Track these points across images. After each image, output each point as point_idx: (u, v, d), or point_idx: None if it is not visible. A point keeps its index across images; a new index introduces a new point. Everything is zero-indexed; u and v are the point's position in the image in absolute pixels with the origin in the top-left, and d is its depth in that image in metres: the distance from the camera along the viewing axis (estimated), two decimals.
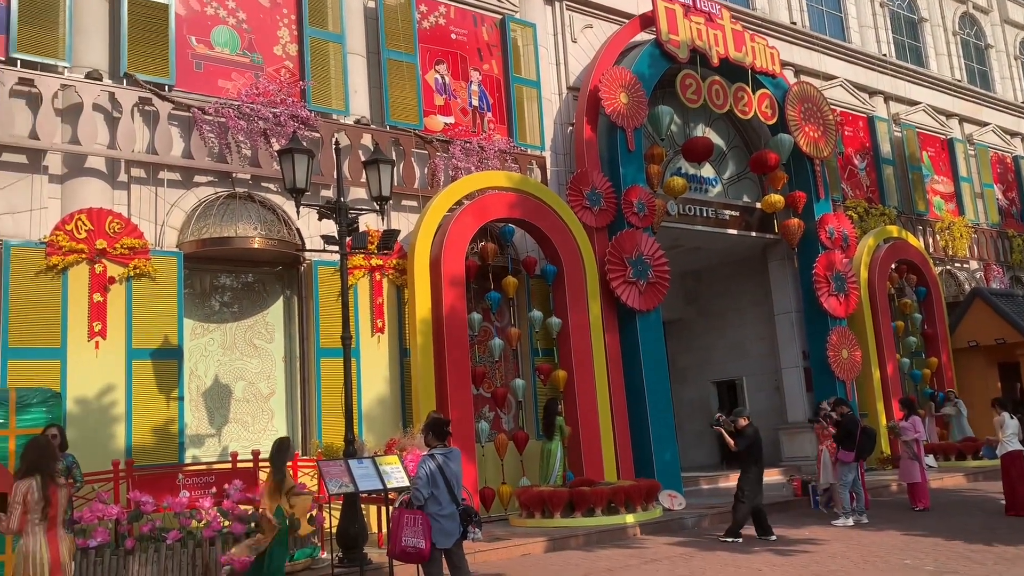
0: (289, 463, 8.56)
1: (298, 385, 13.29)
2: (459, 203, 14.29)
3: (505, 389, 14.56)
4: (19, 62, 11.40)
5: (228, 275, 13.31)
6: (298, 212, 10.83)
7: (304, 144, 10.85)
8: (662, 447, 15.15)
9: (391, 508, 9.84)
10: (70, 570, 6.59)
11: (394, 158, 13.41)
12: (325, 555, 9.79)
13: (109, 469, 9.99)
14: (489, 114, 15.96)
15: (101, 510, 8.92)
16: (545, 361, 15.09)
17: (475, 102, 15.81)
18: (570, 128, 16.89)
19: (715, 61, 17.86)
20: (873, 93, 23.85)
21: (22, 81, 11.29)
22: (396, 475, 9.54)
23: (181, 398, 11.65)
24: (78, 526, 8.69)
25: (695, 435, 22.38)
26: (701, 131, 18.97)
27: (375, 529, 11.31)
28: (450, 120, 15.37)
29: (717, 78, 17.86)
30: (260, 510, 7.45)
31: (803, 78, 21.18)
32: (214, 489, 9.94)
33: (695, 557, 10.21)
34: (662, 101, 17.38)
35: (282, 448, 8.27)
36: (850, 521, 12.46)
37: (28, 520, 6.24)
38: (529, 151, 16.13)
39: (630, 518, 12.42)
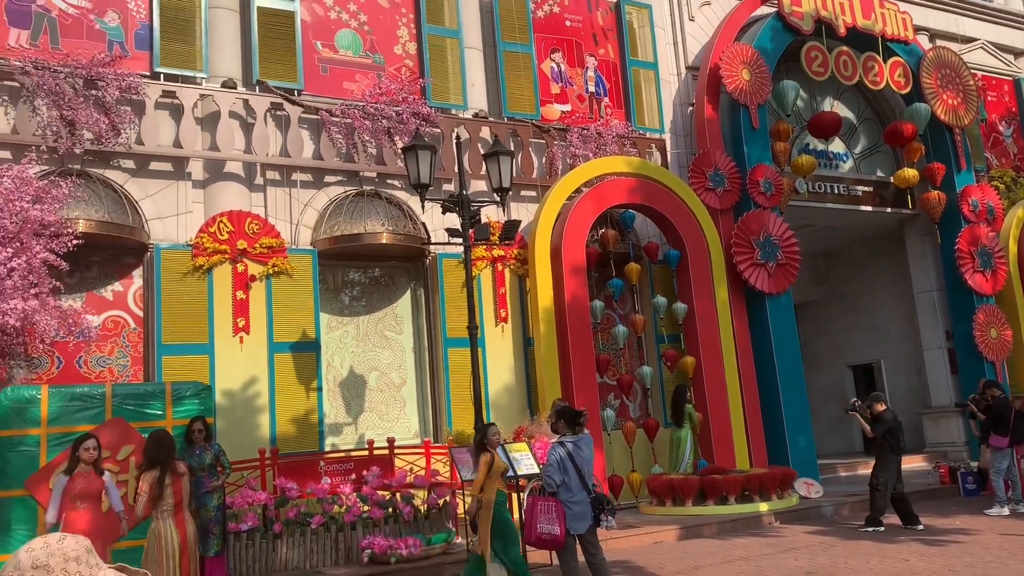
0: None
1: (427, 374, 13.64)
2: (578, 191, 14.26)
3: (631, 376, 14.46)
4: (162, 76, 12.15)
5: (359, 270, 13.78)
6: (423, 207, 11.08)
7: (426, 140, 11.09)
8: (796, 434, 14.68)
9: (522, 495, 9.99)
10: (195, 549, 7.14)
11: (512, 149, 13.50)
12: (460, 540, 10.01)
13: (256, 457, 10.55)
14: (606, 99, 15.83)
15: (251, 496, 9.44)
16: (671, 347, 14.88)
17: (591, 88, 15.72)
18: (690, 109, 16.54)
19: (842, 31, 17.06)
20: (1019, 54, 22.19)
21: (165, 94, 12.04)
22: (526, 462, 9.65)
23: (319, 388, 12.17)
24: (230, 511, 9.22)
25: (830, 421, 21.55)
26: (829, 105, 18.18)
27: None
28: (567, 108, 15.34)
29: (845, 48, 17.05)
30: (477, 494, 7.61)
31: (939, 43, 19.94)
32: (353, 476, 10.34)
33: (835, 546, 9.85)
34: (786, 76, 16.76)
35: (490, 432, 8.18)
36: (1005, 510, 11.72)
37: (156, 507, 6.80)
38: (648, 135, 15.91)
39: (764, 506, 12.11)
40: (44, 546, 1.96)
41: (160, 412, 8.85)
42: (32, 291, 9.49)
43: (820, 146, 17.85)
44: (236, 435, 11.15)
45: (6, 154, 10.68)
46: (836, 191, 17.81)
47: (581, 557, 7.35)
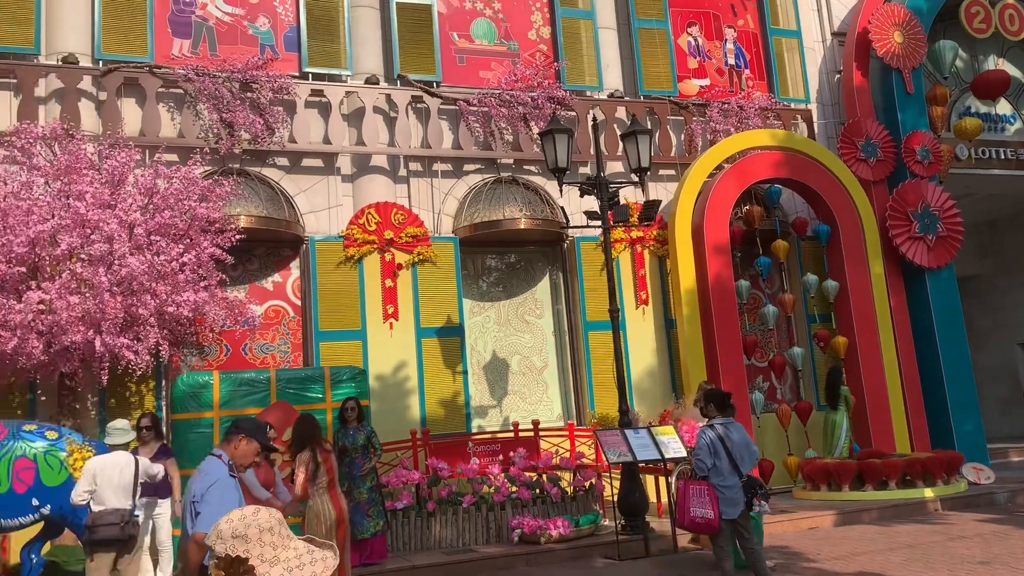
0: None
1: (568, 358, 13.70)
2: (719, 167, 13.88)
3: (782, 358, 13.98)
4: (310, 76, 12.73)
5: (498, 256, 13.99)
6: (561, 191, 11.12)
7: (562, 123, 11.09)
8: (962, 416, 13.78)
9: (670, 479, 9.89)
10: (348, 524, 7.51)
11: (650, 128, 13.30)
12: (607, 522, 10.04)
13: (408, 438, 10.95)
14: (747, 71, 15.31)
15: (405, 475, 9.81)
16: (823, 327, 14.29)
17: (731, 61, 15.24)
18: (837, 76, 15.74)
19: None
20: None
21: (314, 92, 12.60)
22: (673, 445, 9.55)
23: (465, 372, 12.47)
24: (386, 490, 9.61)
25: (1000, 403, 20.07)
26: (992, 64, 16.83)
27: (653, 499, 11.40)
28: (705, 83, 14.95)
29: (1010, 1, 15.74)
30: None
31: None
32: (500, 457, 10.54)
33: (1012, 536, 9.20)
34: (943, 35, 15.65)
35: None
36: None
37: (311, 485, 7.14)
38: (792, 106, 15.27)
39: (929, 492, 11.45)
40: (241, 518, 2.09)
41: (320, 395, 9.34)
42: (202, 284, 10.21)
43: (983, 108, 16.57)
44: (388, 417, 11.60)
45: (173, 157, 11.48)
46: (1003, 156, 16.50)
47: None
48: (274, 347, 12.25)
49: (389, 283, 12.35)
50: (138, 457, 6.93)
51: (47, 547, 8.26)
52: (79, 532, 7.60)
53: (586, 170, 13.43)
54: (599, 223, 10.81)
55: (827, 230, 14.18)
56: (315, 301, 11.99)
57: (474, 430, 12.45)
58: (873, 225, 14.21)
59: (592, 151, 11.73)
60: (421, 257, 12.48)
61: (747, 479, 7.16)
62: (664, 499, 10.80)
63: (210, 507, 4.01)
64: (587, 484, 10.49)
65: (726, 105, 14.53)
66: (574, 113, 13.69)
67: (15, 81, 11.20)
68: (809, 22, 15.96)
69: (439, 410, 12.18)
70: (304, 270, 12.38)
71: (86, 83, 11.48)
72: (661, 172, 14.28)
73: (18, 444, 7.54)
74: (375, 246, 12.32)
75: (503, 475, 10.16)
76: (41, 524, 7.72)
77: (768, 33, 15.39)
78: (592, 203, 11.50)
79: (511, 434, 11.27)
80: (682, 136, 14.51)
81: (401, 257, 12.42)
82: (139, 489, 6.74)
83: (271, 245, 12.37)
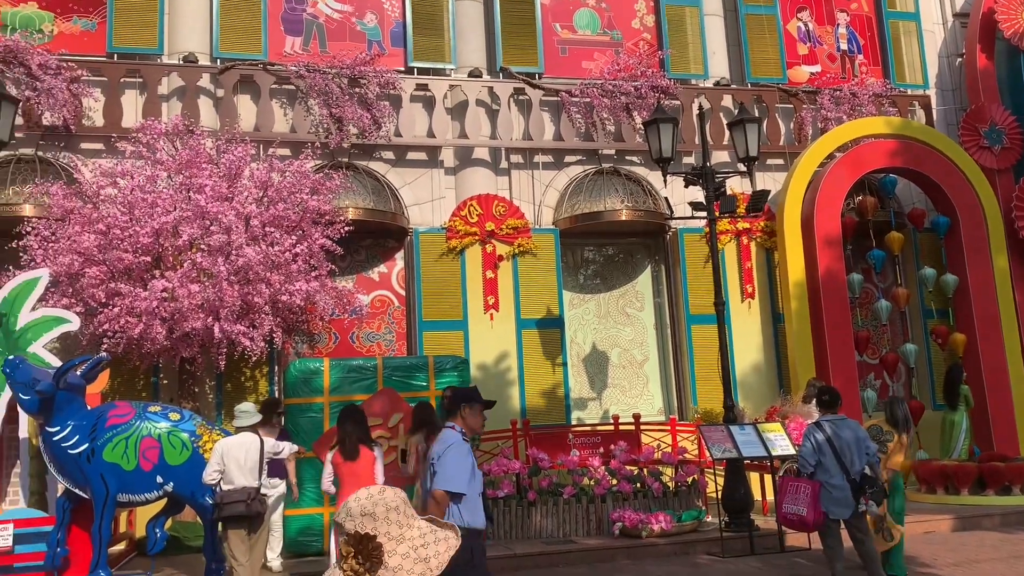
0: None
1: (670, 352, 13.52)
2: (831, 156, 13.40)
3: (894, 355, 13.42)
4: (416, 70, 12.94)
5: (599, 248, 13.91)
6: (665, 181, 10.96)
7: (667, 113, 10.92)
8: None
9: (776, 476, 9.65)
10: None
11: (758, 116, 12.94)
12: (710, 519, 9.87)
13: (507, 428, 11.03)
14: (860, 56, 14.72)
15: (506, 464, 9.89)
16: (940, 323, 13.63)
17: (843, 46, 14.68)
18: (959, 60, 14.95)
19: None
20: None
21: (419, 87, 12.81)
22: (780, 442, 9.30)
23: (565, 364, 12.48)
24: (487, 478, 9.71)
25: None
26: None
27: (758, 496, 11.13)
28: (816, 69, 14.45)
29: None
30: (896, 469, 7.63)
31: None
32: (600, 449, 10.49)
33: None
34: None
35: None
36: None
37: (421, 467, 7.25)
38: (909, 91, 14.60)
39: None
40: (369, 496, 2.15)
41: (424, 383, 9.51)
42: (313, 274, 10.55)
43: None
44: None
45: (286, 151, 11.89)
46: None
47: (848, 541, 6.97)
48: (380, 336, 12.54)
49: (490, 274, 12.45)
50: (263, 437, 7.14)
51: (168, 522, 8.71)
52: (199, 509, 8.00)
53: (690, 160, 13.19)
54: (704, 214, 10.60)
55: (946, 221, 13.50)
56: (419, 291, 12.21)
57: (573, 422, 12.44)
58: (997, 216, 13.44)
59: (697, 140, 11.52)
60: (521, 249, 12.53)
61: (859, 478, 6.90)
62: (770, 497, 10.54)
63: (447, 466, 4.39)
64: (689, 480, 10.33)
65: (838, 92, 14.01)
66: (678, 102, 13.46)
67: (141, 80, 11.81)
68: (928, 4, 15.21)
69: (539, 401, 12.22)
70: (408, 261, 12.62)
71: (204, 81, 12.00)
72: (769, 162, 13.89)
73: (144, 424, 7.96)
74: (476, 238, 12.45)
75: (603, 468, 10.11)
76: (164, 500, 8.14)
77: (884, 16, 14.75)
78: (697, 194, 11.29)
79: (611, 427, 11.20)
80: (791, 125, 14.07)
81: (502, 249, 12.51)
82: (265, 468, 6.96)
83: (377, 236, 12.66)
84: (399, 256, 12.88)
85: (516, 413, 11.89)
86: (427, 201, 12.82)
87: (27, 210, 10.59)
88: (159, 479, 7.87)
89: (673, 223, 13.04)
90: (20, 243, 9.76)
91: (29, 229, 9.82)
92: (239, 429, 7.02)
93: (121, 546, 8.99)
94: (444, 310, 12.21)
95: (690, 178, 10.67)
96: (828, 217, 12.87)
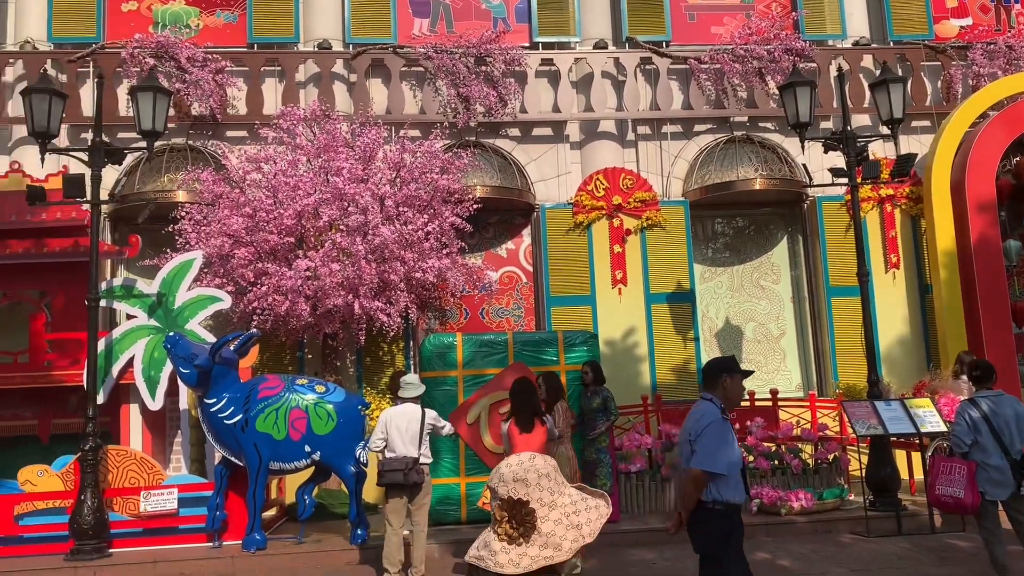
0: None
1: (808, 325, 13.04)
2: (984, 116, 12.48)
3: None
4: (540, 45, 12.92)
5: (731, 219, 13.54)
6: (802, 147, 10.53)
7: (803, 76, 10.46)
8: None
9: (925, 454, 9.17)
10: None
11: (902, 75, 12.21)
12: (853, 497, 9.50)
13: (638, 403, 10.96)
14: (1017, 6, 13.60)
15: (638, 440, 9.84)
16: None
17: None
18: None
19: None
20: None
21: (544, 62, 12.79)
22: (930, 419, 8.82)
23: (696, 339, 12.25)
24: (619, 452, 9.69)
25: None
26: None
27: (905, 475, 10.62)
28: (966, 22, 13.47)
29: None
30: None
31: None
32: (736, 426, 10.25)
33: None
34: None
35: None
36: None
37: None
38: None
39: None
40: (520, 463, 2.18)
41: (554, 358, 9.56)
42: (444, 251, 10.78)
43: None
44: (618, 382, 11.61)
45: (416, 132, 12.15)
46: None
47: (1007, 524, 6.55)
48: (508, 311, 12.70)
49: (617, 249, 12.35)
50: (426, 409, 7.21)
51: (315, 490, 9.17)
52: (344, 477, 8.38)
53: (828, 125, 12.62)
54: (845, 181, 10.12)
55: None
56: (546, 267, 12.26)
57: None
58: None
59: (836, 104, 11.03)
60: (650, 222, 12.36)
61: (1020, 457, 6.45)
62: (918, 476, 10.03)
63: (707, 445, 4.29)
64: (831, 457, 9.96)
65: (992, 45, 13.02)
66: (815, 64, 12.87)
67: (279, 68, 12.34)
68: None
69: (670, 376, 12.07)
70: (535, 237, 12.69)
71: (338, 66, 12.41)
72: (914, 124, 13.09)
73: (292, 396, 8.40)
74: (603, 212, 12.36)
75: (740, 444, 9.87)
76: (312, 468, 8.58)
77: None
78: (837, 160, 10.78)
79: (747, 403, 10.92)
80: (938, 83, 13.20)
81: (630, 222, 12.37)
82: (425, 439, 6.95)
83: (504, 213, 12.79)
84: (526, 232, 12.96)
85: (646, 388, 11.80)
86: (553, 177, 12.82)
87: (180, 196, 11.30)
88: (307, 448, 8.30)
89: (811, 191, 12.52)
90: (176, 227, 10.43)
91: (183, 214, 10.47)
92: (403, 400, 7.11)
93: (272, 511, 9.54)
94: (571, 285, 12.22)
95: (830, 143, 10.18)
96: (981, 180, 12.01)
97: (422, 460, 6.93)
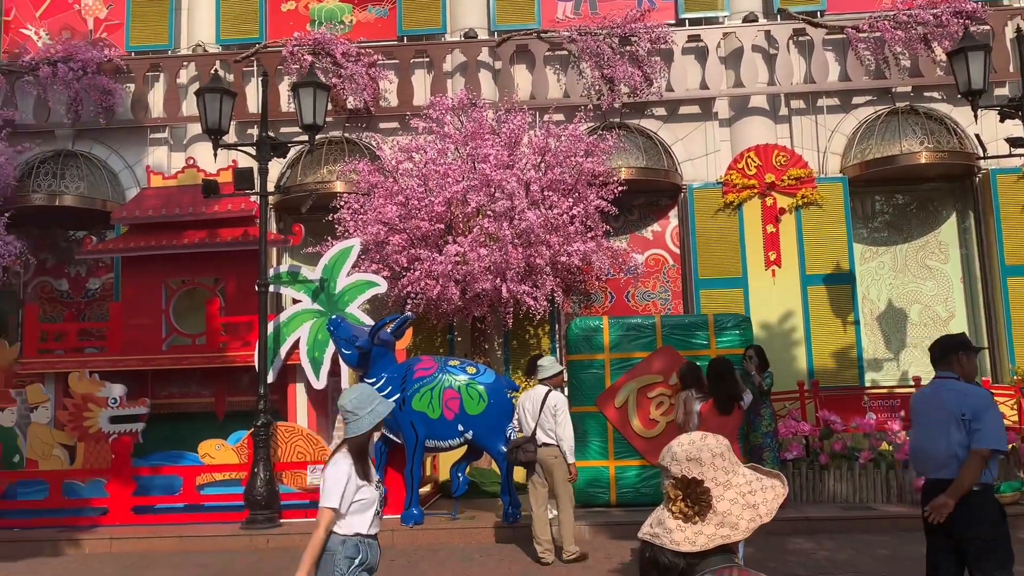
0: None
1: (981, 307, 12.16)
2: None
3: None
4: (687, 21, 12.62)
5: (893, 195, 12.79)
6: (975, 116, 9.75)
7: (975, 40, 9.70)
8: None
9: None
10: None
11: None
12: None
13: (793, 389, 10.57)
14: None
15: (794, 426, 9.50)
16: None
17: None
18: None
19: None
20: None
21: (691, 38, 12.49)
22: None
23: (857, 322, 11.68)
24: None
25: None
26: None
27: None
28: None
29: None
30: None
31: None
32: (902, 413, 9.72)
33: None
34: None
35: None
36: None
37: (689, 420, 7.63)
38: None
39: None
40: (691, 442, 2.15)
41: (704, 342, 9.37)
42: (589, 235, 10.77)
43: None
44: (772, 367, 11.21)
45: (560, 116, 12.15)
46: None
47: None
48: (655, 295, 12.55)
49: (771, 228, 11.93)
50: (554, 393, 7.13)
51: (467, 468, 9.42)
52: (495, 456, 8.56)
53: (1003, 91, 11.66)
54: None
55: None
56: (694, 249, 12.02)
57: (867, 384, 11.63)
58: None
59: (1013, 68, 10.16)
60: (805, 200, 11.85)
61: None
62: None
63: (990, 423, 4.12)
64: (1009, 448, 9.26)
65: None
66: (988, 27, 11.91)
67: (428, 60, 12.66)
68: None
69: (828, 361, 11.56)
70: (682, 218, 12.45)
71: (484, 55, 12.60)
72: None
73: (446, 377, 8.65)
74: (755, 191, 11.96)
75: (904, 432, 9.36)
76: (464, 447, 8.82)
77: None
78: (1013, 129, 9.94)
79: (912, 389, 10.33)
80: None
81: (783, 201, 11.91)
82: (550, 419, 6.99)
83: (650, 195, 12.62)
84: (673, 214, 12.74)
85: (803, 374, 11.36)
86: (701, 156, 12.53)
87: (338, 186, 11.82)
88: (460, 427, 8.53)
89: (984, 163, 11.63)
90: (335, 216, 10.94)
91: (342, 203, 10.96)
92: (541, 381, 7.22)
93: (427, 488, 9.88)
94: (721, 267, 11.92)
95: (1006, 111, 9.40)
96: None
97: (539, 439, 6.98)
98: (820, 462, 9.20)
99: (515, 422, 7.30)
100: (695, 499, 2.05)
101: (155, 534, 8.53)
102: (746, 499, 2.08)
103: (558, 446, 6.97)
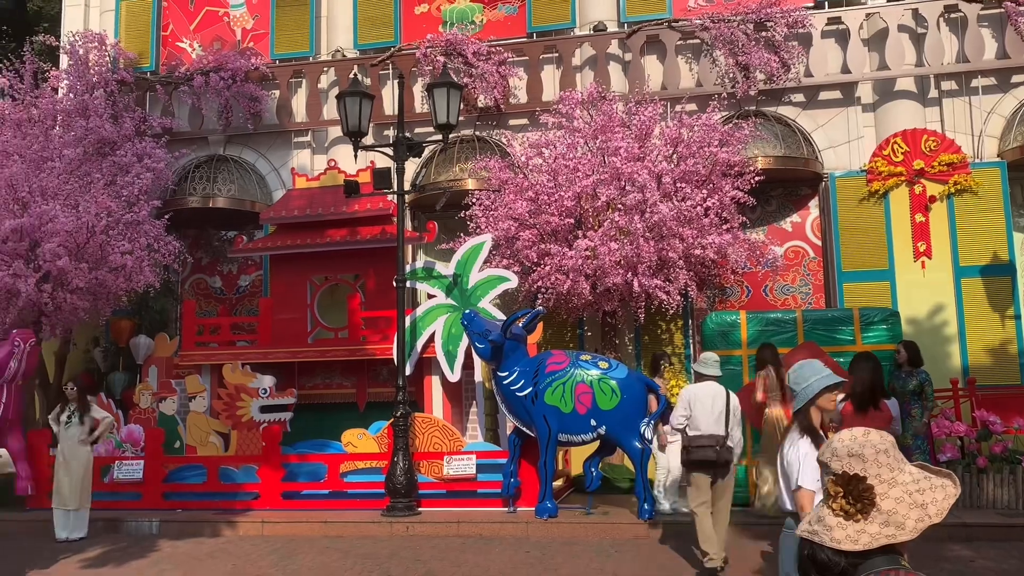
0: None
1: None
2: None
3: None
4: (826, 4, 12.09)
5: None
6: None
7: None
8: None
9: None
10: None
11: None
12: None
13: (947, 388, 9.95)
14: None
15: (948, 427, 8.94)
16: None
17: None
18: None
19: None
20: None
21: (830, 21, 11.95)
22: None
23: (1018, 316, 10.87)
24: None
25: None
26: None
27: None
28: None
29: None
30: None
31: None
32: None
33: None
34: None
35: None
36: None
37: (768, 396, 8.14)
38: None
39: None
40: (853, 438, 2.07)
41: (849, 337, 8.97)
42: (724, 227, 10.50)
43: None
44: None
45: (692, 106, 11.90)
46: None
47: None
48: (794, 288, 12.11)
49: (920, 218, 11.27)
50: (728, 391, 6.76)
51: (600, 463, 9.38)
52: (630, 452, 8.49)
53: None
54: None
55: None
56: (836, 240, 11.51)
57: None
58: None
59: None
60: (958, 187, 11.12)
61: None
62: None
63: None
64: None
65: None
66: None
67: (557, 55, 12.69)
68: None
69: (984, 358, 10.82)
70: (824, 208, 11.95)
71: (613, 47, 12.50)
72: None
73: (577, 371, 8.66)
74: (902, 178, 11.32)
75: None
76: (597, 442, 8.79)
77: None
78: None
79: None
80: None
81: (934, 188, 11.23)
82: (731, 418, 6.57)
83: (788, 185, 12.18)
84: (813, 204, 12.25)
85: (956, 371, 10.67)
86: (843, 143, 11.98)
87: (470, 184, 12.03)
88: (593, 422, 8.52)
89: None
90: (467, 213, 11.13)
91: (474, 200, 11.14)
92: (703, 377, 6.76)
93: (559, 482, 9.92)
94: (866, 259, 11.35)
95: None
96: None
97: (728, 442, 6.53)
98: (978, 465, 8.63)
99: (681, 419, 6.68)
100: (857, 496, 1.97)
101: (302, 519, 8.97)
102: (913, 498, 1.99)
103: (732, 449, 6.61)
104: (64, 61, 13.67)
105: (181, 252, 12.09)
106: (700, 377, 6.79)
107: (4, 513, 9.83)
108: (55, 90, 13.04)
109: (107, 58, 13.38)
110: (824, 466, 2.15)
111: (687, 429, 6.66)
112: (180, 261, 12.19)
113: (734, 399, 6.71)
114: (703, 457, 6.49)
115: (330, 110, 13.09)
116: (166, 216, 12.25)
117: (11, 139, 11.61)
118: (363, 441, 9.83)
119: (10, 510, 9.94)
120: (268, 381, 10.42)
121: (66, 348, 12.36)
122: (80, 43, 13.15)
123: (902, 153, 11.33)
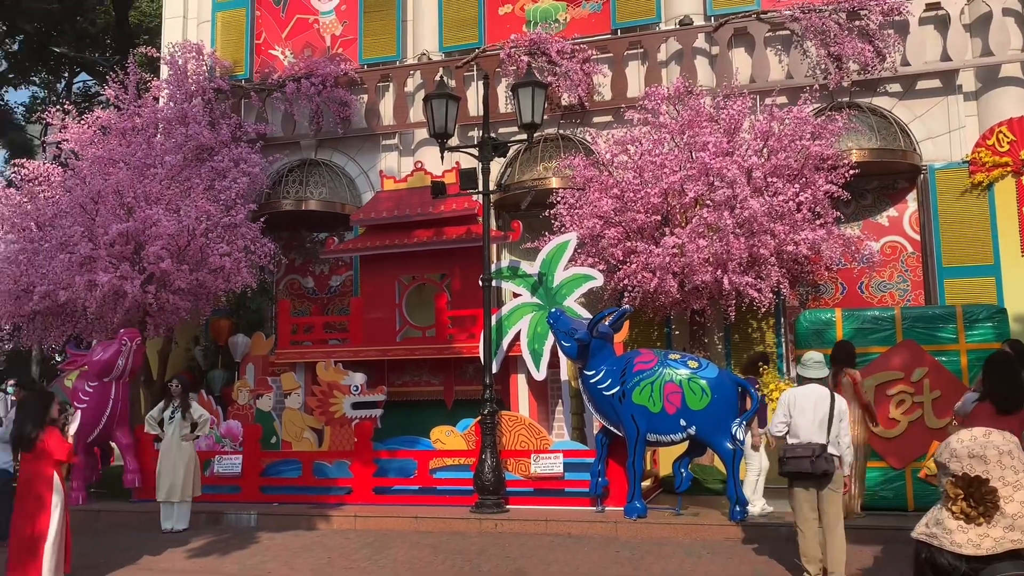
0: None
1: None
2: None
3: None
4: None
5: None
6: None
7: None
8: None
9: None
10: None
11: None
12: None
13: None
14: None
15: None
16: None
17: None
18: None
19: None
20: None
21: (929, 7, 11.48)
22: None
23: None
24: None
25: None
26: None
27: None
28: None
29: None
30: None
31: None
32: None
33: None
34: None
35: None
36: None
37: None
38: None
39: None
40: (972, 439, 2.00)
41: (952, 336, 8.59)
42: (817, 222, 10.21)
43: None
44: None
45: (783, 99, 11.61)
46: None
47: None
48: (892, 285, 11.69)
49: None
50: (835, 394, 6.34)
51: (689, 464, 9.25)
52: (721, 453, 8.35)
53: None
54: None
55: None
56: (936, 235, 11.05)
57: None
58: None
59: None
60: None
61: None
62: None
63: None
64: None
65: None
66: None
67: (641, 51, 12.56)
68: None
69: None
70: (923, 202, 11.49)
71: (700, 41, 12.30)
72: None
73: (666, 371, 8.55)
74: (1008, 169, 10.80)
75: None
76: (686, 442, 8.67)
77: None
78: None
79: None
80: None
81: None
82: (836, 426, 6.12)
83: (885, 178, 11.76)
84: (911, 197, 11.80)
85: None
86: (943, 133, 11.49)
87: (554, 182, 12.03)
88: (682, 422, 8.41)
89: None
90: (551, 211, 11.13)
91: (558, 199, 11.14)
92: (805, 380, 6.36)
93: (647, 482, 9.82)
94: (969, 254, 10.87)
95: None
96: None
97: (830, 449, 6.08)
98: None
99: (780, 425, 6.27)
100: (979, 499, 1.90)
101: (393, 513, 9.13)
102: None
103: (837, 457, 6.17)
104: (164, 71, 14.28)
105: (276, 253, 12.48)
106: (802, 380, 6.37)
107: (114, 504, 10.35)
108: (156, 99, 13.64)
109: (204, 67, 13.91)
110: (943, 467, 2.08)
111: (787, 436, 6.27)
112: (275, 262, 12.59)
113: (840, 403, 6.25)
114: (797, 468, 6.08)
115: (416, 113, 13.29)
116: (261, 219, 12.66)
117: (116, 147, 12.21)
118: (451, 438, 9.95)
119: (120, 500, 10.45)
120: (359, 378, 10.65)
121: (169, 347, 12.93)
122: (179, 54, 13.71)
123: (1008, 143, 10.80)
